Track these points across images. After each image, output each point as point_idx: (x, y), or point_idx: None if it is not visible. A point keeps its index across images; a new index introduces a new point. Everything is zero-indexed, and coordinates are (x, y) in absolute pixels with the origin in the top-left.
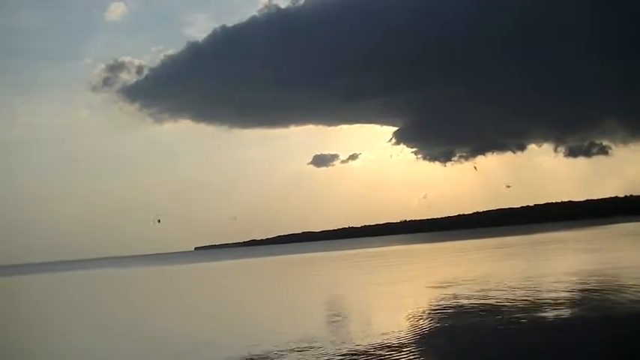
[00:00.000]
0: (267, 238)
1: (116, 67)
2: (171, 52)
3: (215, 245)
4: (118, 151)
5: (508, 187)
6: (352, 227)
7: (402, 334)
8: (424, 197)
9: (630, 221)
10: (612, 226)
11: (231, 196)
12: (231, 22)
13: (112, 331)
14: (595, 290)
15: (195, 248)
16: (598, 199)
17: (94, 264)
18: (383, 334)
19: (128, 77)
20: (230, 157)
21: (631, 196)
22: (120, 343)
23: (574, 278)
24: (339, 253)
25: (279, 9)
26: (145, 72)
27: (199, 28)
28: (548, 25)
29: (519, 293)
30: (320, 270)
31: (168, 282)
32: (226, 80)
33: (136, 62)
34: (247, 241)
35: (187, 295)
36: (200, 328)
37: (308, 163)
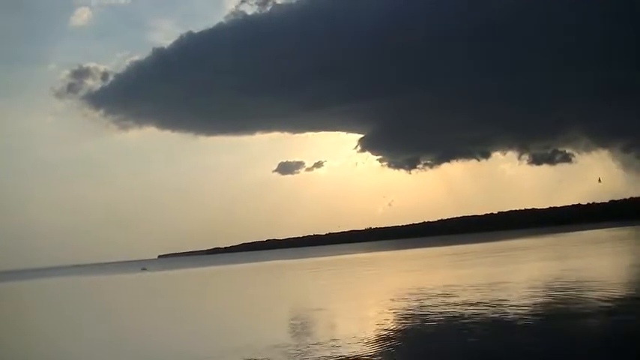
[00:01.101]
0: (232, 246)
1: (81, 73)
2: (136, 58)
3: (179, 253)
4: (83, 158)
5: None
6: (317, 235)
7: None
8: (389, 205)
9: (592, 228)
10: (575, 233)
11: (196, 204)
12: (197, 28)
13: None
14: (554, 301)
15: (159, 256)
16: (561, 207)
17: (54, 272)
18: (340, 345)
19: (93, 83)
20: (195, 164)
21: (593, 203)
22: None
23: (535, 287)
24: (304, 260)
25: (245, 16)
26: (110, 78)
27: (165, 34)
28: (513, 33)
29: (482, 303)
30: (283, 278)
31: (132, 290)
32: (192, 87)
33: (101, 68)
34: (211, 249)
35: (150, 303)
36: (161, 337)
37: (273, 171)
